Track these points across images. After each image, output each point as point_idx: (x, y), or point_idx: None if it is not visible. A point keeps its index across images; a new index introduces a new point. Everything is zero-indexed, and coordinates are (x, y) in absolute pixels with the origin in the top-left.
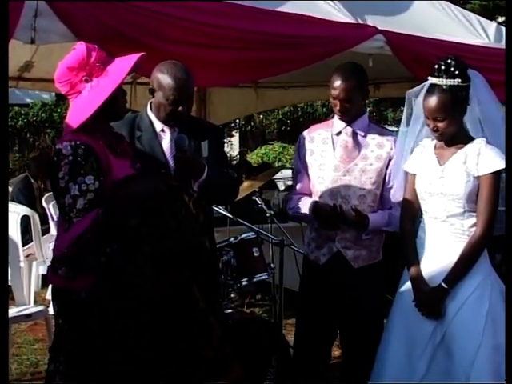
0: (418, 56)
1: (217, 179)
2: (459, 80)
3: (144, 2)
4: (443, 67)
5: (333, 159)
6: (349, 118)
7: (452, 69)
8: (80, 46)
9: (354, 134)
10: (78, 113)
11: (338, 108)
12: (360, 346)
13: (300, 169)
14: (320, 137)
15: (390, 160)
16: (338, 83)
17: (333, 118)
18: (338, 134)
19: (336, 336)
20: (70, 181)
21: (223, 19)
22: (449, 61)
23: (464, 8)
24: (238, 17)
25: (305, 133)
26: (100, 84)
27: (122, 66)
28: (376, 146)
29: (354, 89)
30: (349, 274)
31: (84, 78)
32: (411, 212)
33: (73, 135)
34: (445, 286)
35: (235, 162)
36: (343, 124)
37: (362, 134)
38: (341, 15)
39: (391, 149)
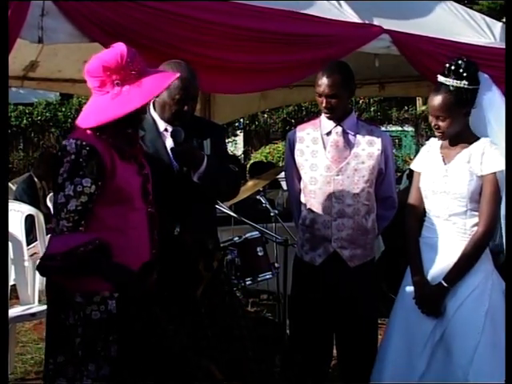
0: (425, 55)
1: (217, 171)
2: (466, 82)
3: (151, 1)
4: (453, 67)
5: (324, 159)
6: (335, 116)
7: (461, 70)
8: (120, 47)
9: (345, 133)
10: (97, 113)
11: (323, 105)
12: (356, 344)
13: (291, 168)
14: (309, 137)
15: (380, 157)
16: (322, 79)
17: (319, 116)
18: (328, 133)
19: (333, 336)
20: (67, 179)
21: (229, 18)
22: (459, 62)
23: (471, 8)
24: (244, 16)
25: (293, 133)
26: (130, 93)
27: (157, 82)
28: (367, 144)
29: (338, 84)
30: (345, 274)
31: (116, 82)
32: (416, 210)
33: (82, 133)
34: (445, 285)
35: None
36: (332, 124)
37: (352, 132)
38: (346, 16)
39: (382, 146)
